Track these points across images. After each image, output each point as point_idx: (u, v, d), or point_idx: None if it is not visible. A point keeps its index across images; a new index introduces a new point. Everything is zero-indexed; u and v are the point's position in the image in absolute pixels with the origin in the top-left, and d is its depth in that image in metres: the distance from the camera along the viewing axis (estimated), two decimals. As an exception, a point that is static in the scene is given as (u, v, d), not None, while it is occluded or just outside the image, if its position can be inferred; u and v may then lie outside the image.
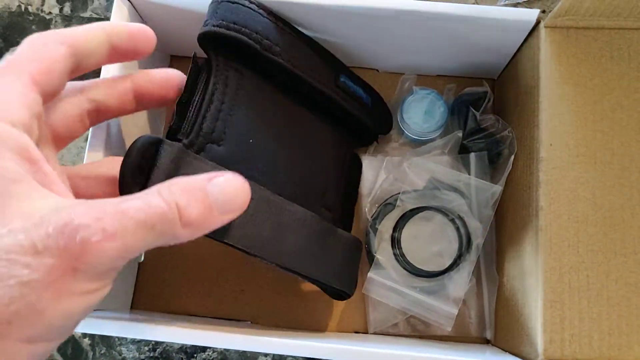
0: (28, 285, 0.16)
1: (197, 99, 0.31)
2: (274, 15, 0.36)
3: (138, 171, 0.26)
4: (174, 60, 0.48)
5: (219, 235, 0.29)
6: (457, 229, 0.40)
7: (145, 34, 0.26)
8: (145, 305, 0.44)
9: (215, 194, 0.21)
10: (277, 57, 0.34)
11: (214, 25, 0.32)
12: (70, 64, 0.23)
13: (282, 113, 0.37)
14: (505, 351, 0.39)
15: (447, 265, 0.40)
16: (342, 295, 0.38)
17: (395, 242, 0.41)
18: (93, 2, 0.53)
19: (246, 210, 0.23)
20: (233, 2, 0.33)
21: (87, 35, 0.24)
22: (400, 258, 0.41)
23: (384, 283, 0.41)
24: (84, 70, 0.25)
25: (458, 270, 0.40)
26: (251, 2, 0.34)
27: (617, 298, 0.32)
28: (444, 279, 0.40)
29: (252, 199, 0.23)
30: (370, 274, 0.40)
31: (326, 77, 0.38)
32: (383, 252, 0.41)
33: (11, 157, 0.18)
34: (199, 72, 0.32)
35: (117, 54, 0.25)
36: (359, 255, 0.40)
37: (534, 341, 0.33)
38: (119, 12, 0.37)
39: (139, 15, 0.40)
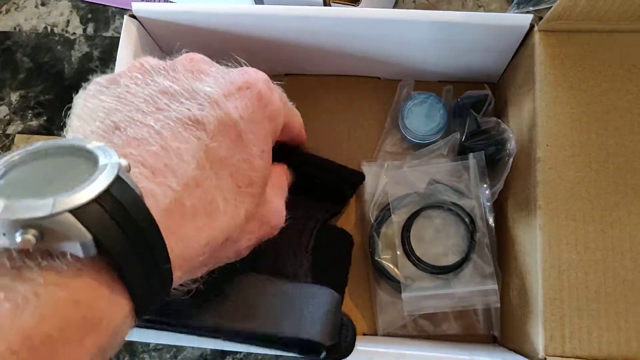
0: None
1: None
2: None
3: None
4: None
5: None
6: (457, 214, 0.41)
7: None
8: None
9: None
10: None
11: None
12: None
13: None
14: (511, 350, 0.39)
15: (465, 249, 0.41)
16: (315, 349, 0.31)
17: (410, 254, 0.42)
18: (115, 21, 0.56)
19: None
20: None
21: None
22: (422, 265, 0.41)
23: (420, 295, 0.41)
24: None
25: (476, 249, 0.41)
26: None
27: (614, 295, 0.32)
28: (469, 263, 0.41)
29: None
30: (403, 295, 0.40)
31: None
32: (403, 268, 0.41)
33: None
34: None
35: None
36: (335, 306, 0.33)
37: (535, 339, 0.34)
38: (128, 31, 0.39)
39: (147, 33, 0.42)
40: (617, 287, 0.32)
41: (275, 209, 0.29)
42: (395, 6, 0.51)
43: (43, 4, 0.57)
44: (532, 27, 0.37)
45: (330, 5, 0.44)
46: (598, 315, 0.32)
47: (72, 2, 0.57)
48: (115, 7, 0.56)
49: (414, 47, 0.42)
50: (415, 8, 0.51)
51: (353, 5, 0.43)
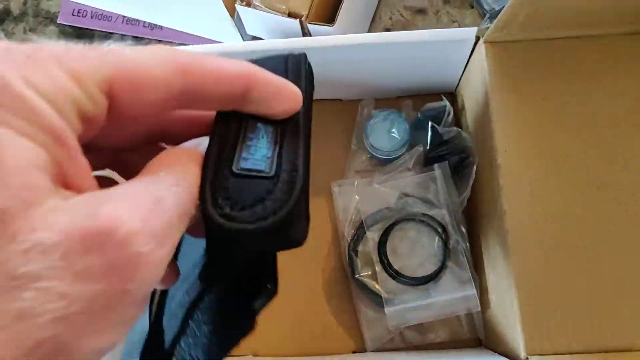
0: (64, 321, 0.12)
1: None
2: None
3: None
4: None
5: None
6: (429, 224, 0.43)
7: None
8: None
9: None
10: None
11: None
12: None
13: None
14: (495, 352, 0.40)
15: (441, 258, 0.42)
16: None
17: (389, 269, 0.42)
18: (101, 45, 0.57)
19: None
20: None
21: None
22: (402, 278, 0.42)
23: (403, 308, 0.41)
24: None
25: (452, 257, 0.42)
26: None
27: (583, 289, 0.34)
28: (446, 271, 0.42)
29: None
30: (386, 310, 0.41)
31: None
32: (384, 283, 0.42)
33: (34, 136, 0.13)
34: None
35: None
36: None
37: (516, 339, 0.35)
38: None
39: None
40: (585, 282, 0.34)
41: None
42: (372, 23, 0.53)
43: (31, 30, 0.58)
44: (478, 39, 0.39)
45: (307, 26, 0.45)
46: (571, 311, 0.34)
47: (59, 27, 0.58)
48: (101, 31, 0.57)
49: (372, 67, 0.43)
50: (391, 24, 0.53)
51: (328, 25, 0.44)
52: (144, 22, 0.56)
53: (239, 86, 0.18)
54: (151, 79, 0.16)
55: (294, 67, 0.21)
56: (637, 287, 0.33)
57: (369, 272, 0.44)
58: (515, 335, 0.35)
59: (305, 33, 0.45)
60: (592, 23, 0.36)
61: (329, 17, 0.45)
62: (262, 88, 0.18)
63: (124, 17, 0.57)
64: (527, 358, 0.34)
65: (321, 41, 0.39)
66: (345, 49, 0.39)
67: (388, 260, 0.43)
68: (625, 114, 0.36)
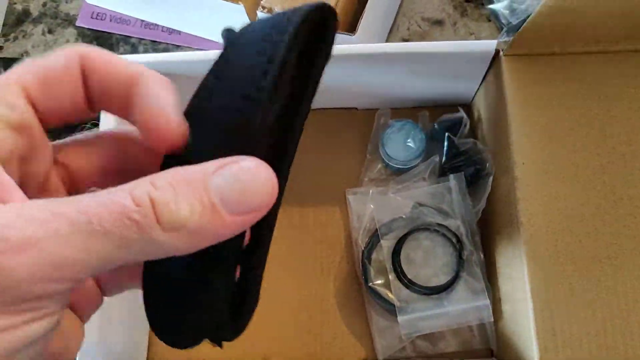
0: None
1: None
2: None
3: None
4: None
5: None
6: (443, 234, 0.43)
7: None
8: (160, 357, 0.46)
9: (220, 185, 0.15)
10: None
11: None
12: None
13: None
14: (507, 362, 0.40)
15: (455, 268, 0.42)
16: None
17: (402, 278, 0.43)
18: (119, 48, 0.58)
19: None
20: None
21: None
22: (415, 287, 0.42)
23: (416, 317, 0.41)
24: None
25: (466, 267, 0.42)
26: None
27: (598, 301, 0.34)
28: (460, 281, 0.42)
29: None
30: (399, 318, 0.41)
31: None
32: (397, 292, 0.42)
33: None
34: None
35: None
36: None
37: (530, 350, 0.35)
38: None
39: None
40: (600, 293, 0.34)
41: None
42: (390, 33, 0.54)
43: (50, 32, 0.59)
44: (497, 52, 0.39)
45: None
46: (586, 322, 0.34)
47: (77, 29, 0.59)
48: (120, 35, 0.58)
49: (390, 77, 0.43)
50: (409, 35, 0.54)
51: (349, 35, 0.45)
52: (163, 26, 0.57)
53: (126, 76, 0.18)
54: (52, 69, 0.17)
55: (276, 32, 0.16)
56: (652, 302, 0.34)
57: (382, 281, 0.44)
58: (529, 346, 0.35)
59: (325, 42, 0.46)
60: (611, 39, 0.37)
61: (349, 26, 0.46)
62: (146, 91, 0.17)
63: (142, 21, 0.57)
64: (542, 370, 0.34)
65: (342, 50, 0.39)
66: (366, 58, 0.40)
67: (402, 269, 0.43)
68: (643, 130, 0.36)
